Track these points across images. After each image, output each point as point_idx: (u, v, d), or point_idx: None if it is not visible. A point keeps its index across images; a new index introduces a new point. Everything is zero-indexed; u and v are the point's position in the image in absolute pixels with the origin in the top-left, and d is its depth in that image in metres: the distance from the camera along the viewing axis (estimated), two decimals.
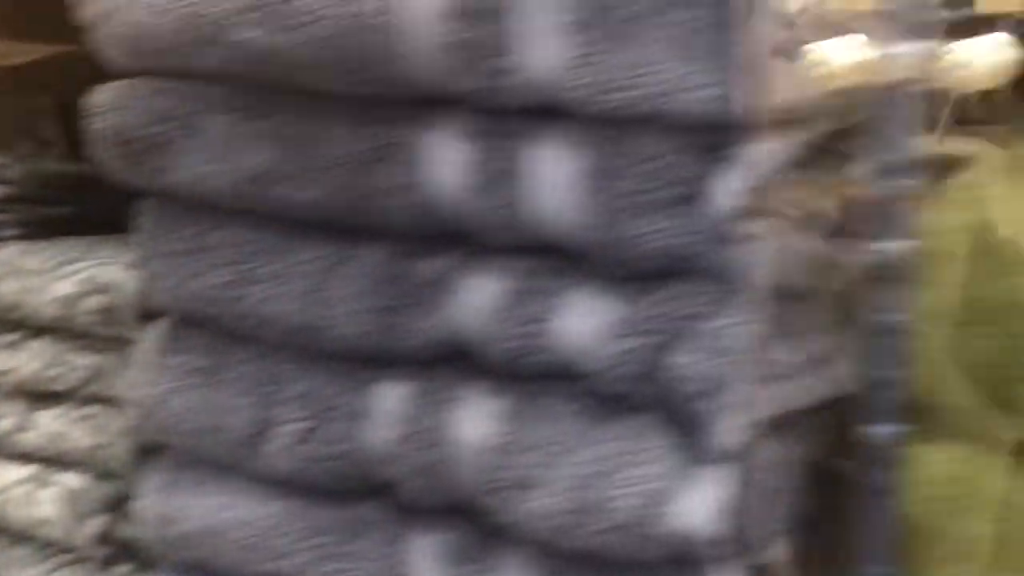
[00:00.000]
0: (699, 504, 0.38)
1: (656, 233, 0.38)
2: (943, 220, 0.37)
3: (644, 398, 0.40)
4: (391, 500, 0.47)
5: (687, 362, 0.37)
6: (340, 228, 0.46)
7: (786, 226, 0.37)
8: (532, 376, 0.42)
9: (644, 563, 0.40)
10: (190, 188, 0.49)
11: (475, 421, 0.43)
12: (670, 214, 0.38)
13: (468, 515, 0.44)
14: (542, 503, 0.40)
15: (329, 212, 0.45)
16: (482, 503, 0.42)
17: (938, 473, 0.38)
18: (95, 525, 0.71)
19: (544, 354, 0.41)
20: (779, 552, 0.39)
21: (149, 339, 0.55)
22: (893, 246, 0.34)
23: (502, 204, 0.41)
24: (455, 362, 0.45)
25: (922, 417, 0.38)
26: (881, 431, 0.37)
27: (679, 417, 0.39)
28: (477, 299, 0.42)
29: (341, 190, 0.44)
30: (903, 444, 0.37)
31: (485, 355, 0.42)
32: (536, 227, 0.41)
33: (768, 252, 0.37)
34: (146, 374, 0.54)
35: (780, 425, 0.38)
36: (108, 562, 0.73)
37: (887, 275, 0.35)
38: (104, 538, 0.72)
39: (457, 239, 0.44)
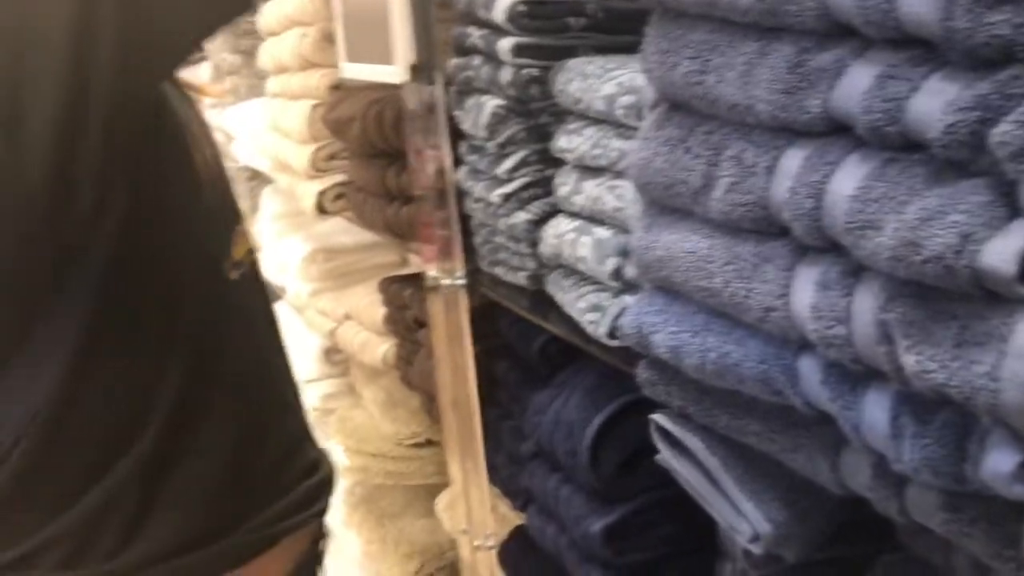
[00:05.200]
0: (1008, 248, 0.47)
1: (993, 24, 0.46)
2: None
3: (972, 164, 0.49)
4: (789, 240, 0.62)
5: (1007, 131, 0.46)
6: (761, 29, 0.60)
7: None
8: (889, 144, 0.53)
9: (960, 294, 0.50)
10: (670, 4, 0.66)
11: (845, 177, 0.55)
12: (1004, 8, 0.46)
13: (838, 252, 0.58)
14: (880, 241, 0.52)
15: (756, 17, 0.59)
16: (844, 241, 0.55)
17: None
18: (612, 264, 0.96)
19: (898, 126, 0.51)
20: None
21: (647, 120, 0.76)
22: None
23: (881, 4, 0.51)
24: (840, 133, 0.57)
25: None
26: None
27: (999, 179, 0.48)
28: (855, 83, 0.54)
29: None
30: None
31: (858, 127, 0.54)
32: (904, 22, 0.50)
33: None
34: (641, 145, 0.75)
35: None
36: (619, 292, 0.98)
37: None
38: (617, 274, 0.96)
39: (847, 35, 0.55)
